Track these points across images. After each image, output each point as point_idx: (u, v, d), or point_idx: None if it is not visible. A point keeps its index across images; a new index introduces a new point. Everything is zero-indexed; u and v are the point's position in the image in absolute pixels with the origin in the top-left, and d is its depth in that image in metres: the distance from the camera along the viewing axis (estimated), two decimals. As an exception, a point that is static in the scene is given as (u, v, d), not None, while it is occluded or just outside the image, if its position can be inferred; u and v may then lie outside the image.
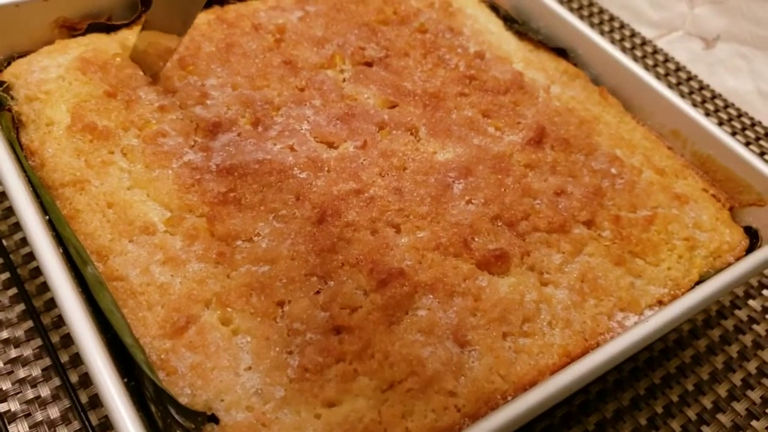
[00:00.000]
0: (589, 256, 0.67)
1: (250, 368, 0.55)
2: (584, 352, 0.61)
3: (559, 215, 0.68)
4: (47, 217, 0.62)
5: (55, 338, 0.70)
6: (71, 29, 0.81)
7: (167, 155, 0.66)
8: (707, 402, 0.75)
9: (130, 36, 0.80)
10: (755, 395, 0.76)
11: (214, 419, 0.53)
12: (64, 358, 0.69)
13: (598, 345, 0.61)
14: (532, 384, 0.58)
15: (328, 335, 0.57)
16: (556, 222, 0.67)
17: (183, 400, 0.53)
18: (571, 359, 0.60)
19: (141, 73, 0.74)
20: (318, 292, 0.59)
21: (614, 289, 0.65)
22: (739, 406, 0.75)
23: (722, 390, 0.76)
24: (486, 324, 0.60)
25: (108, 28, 0.81)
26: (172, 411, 0.51)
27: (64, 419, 0.65)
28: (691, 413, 0.74)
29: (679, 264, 0.69)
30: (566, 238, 0.67)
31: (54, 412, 0.66)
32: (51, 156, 0.67)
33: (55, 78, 0.73)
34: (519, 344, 0.60)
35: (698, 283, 0.69)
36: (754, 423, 0.73)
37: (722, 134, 0.78)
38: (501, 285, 0.63)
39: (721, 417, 0.74)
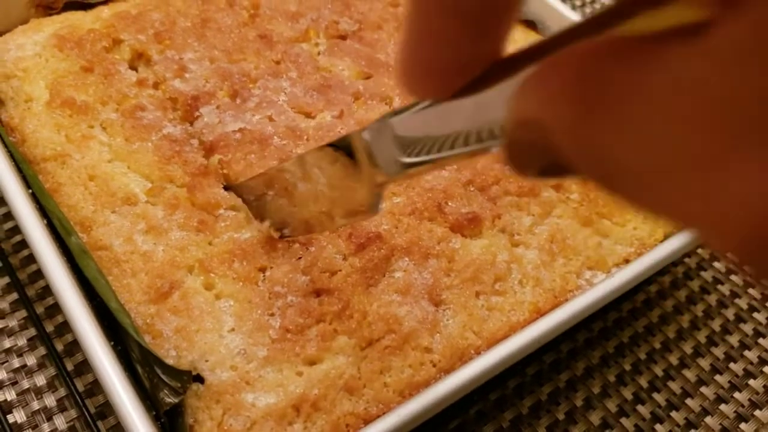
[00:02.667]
0: (557, 218, 0.69)
1: (233, 330, 0.57)
2: (554, 309, 0.63)
3: (529, 180, 0.70)
4: (30, 190, 0.63)
5: (40, 309, 0.71)
6: (47, 8, 0.82)
7: (146, 128, 0.68)
8: (673, 359, 0.78)
9: (105, 10, 0.81)
10: (719, 351, 0.79)
11: (199, 379, 0.55)
12: (50, 328, 0.70)
13: (567, 302, 0.64)
14: (505, 339, 0.60)
15: (309, 298, 0.59)
16: (526, 186, 0.70)
17: (168, 362, 0.55)
18: (542, 315, 0.63)
19: (117, 47, 0.76)
20: (299, 258, 0.61)
21: (582, 249, 0.68)
22: (704, 362, 0.78)
23: (688, 347, 0.79)
24: (459, 284, 0.62)
25: (84, 6, 0.82)
26: (159, 371, 0.54)
27: (51, 386, 0.67)
28: (658, 369, 0.77)
29: (644, 224, 0.72)
30: (536, 201, 0.69)
31: (40, 380, 0.68)
32: (31, 132, 0.68)
33: (31, 56, 0.74)
34: (491, 302, 0.63)
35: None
36: (717, 377, 0.77)
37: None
38: (473, 247, 0.65)
39: (686, 372, 0.77)
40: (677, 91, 0.18)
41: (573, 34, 0.24)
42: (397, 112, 0.35)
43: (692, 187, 0.18)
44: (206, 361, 0.55)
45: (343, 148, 0.45)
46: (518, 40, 0.88)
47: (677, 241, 0.66)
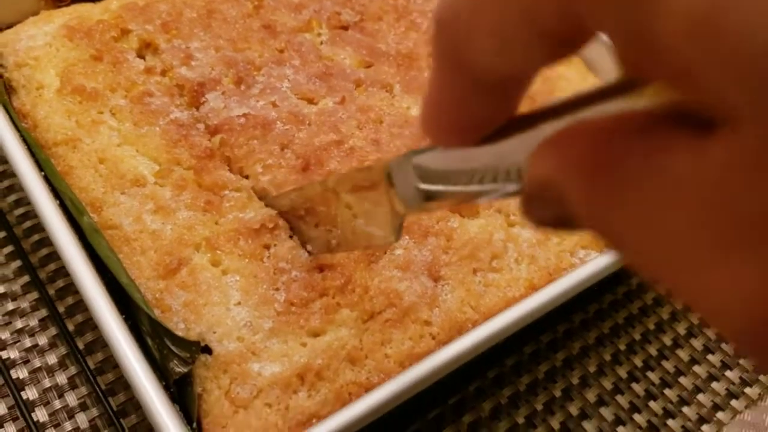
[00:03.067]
0: (553, 199, 0.71)
1: (239, 303, 0.59)
2: (549, 285, 0.66)
3: (526, 163, 0.73)
4: (43, 173, 0.65)
5: (51, 291, 0.74)
6: (57, 1, 0.85)
7: (154, 113, 0.70)
8: (667, 339, 0.80)
9: (114, 2, 0.83)
10: (711, 331, 0.81)
11: (207, 350, 0.57)
12: (61, 309, 0.73)
13: (561, 278, 0.66)
14: (501, 313, 0.62)
15: (312, 273, 0.61)
16: (523, 169, 0.72)
17: (177, 333, 0.57)
18: (537, 291, 0.65)
19: (125, 37, 0.78)
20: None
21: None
22: (697, 342, 0.80)
23: (681, 328, 0.81)
24: (458, 261, 0.65)
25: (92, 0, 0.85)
26: (168, 343, 0.56)
27: (62, 365, 0.69)
28: (653, 349, 0.79)
29: (638, 207, 0.74)
30: (532, 183, 0.72)
31: (52, 358, 0.70)
32: (43, 117, 0.70)
33: (42, 45, 0.76)
34: (488, 279, 0.65)
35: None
36: (709, 357, 0.79)
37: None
38: (471, 226, 0.67)
39: (679, 352, 0.79)
40: (686, 187, 0.20)
41: (578, 102, 0.26)
42: (420, 150, 0.37)
43: (696, 275, 0.20)
44: (214, 332, 0.57)
45: (367, 175, 0.47)
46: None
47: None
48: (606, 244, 0.23)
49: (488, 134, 0.30)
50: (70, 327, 0.72)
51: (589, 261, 0.67)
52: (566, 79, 0.85)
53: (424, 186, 0.37)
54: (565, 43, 0.23)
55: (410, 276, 0.62)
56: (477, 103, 0.27)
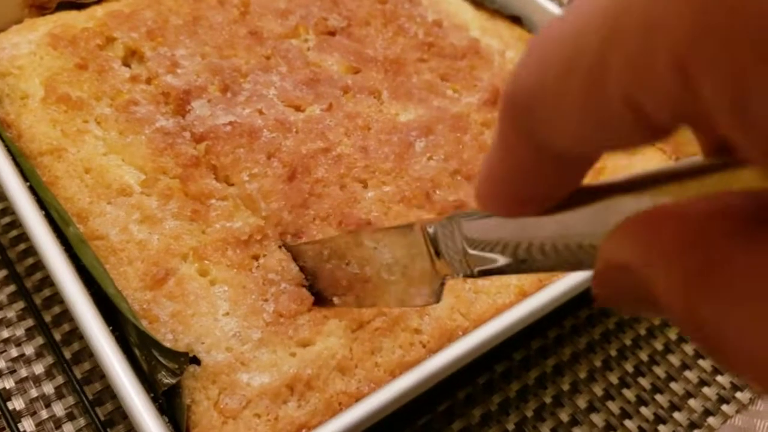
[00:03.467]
0: (542, 205, 0.71)
1: (228, 314, 0.58)
2: (539, 291, 0.65)
3: (514, 168, 0.72)
4: (28, 184, 0.65)
5: (37, 300, 0.73)
6: (41, 8, 0.84)
7: (140, 122, 0.69)
8: (659, 344, 0.80)
9: (99, 10, 0.83)
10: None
11: (195, 361, 0.56)
12: (47, 318, 0.72)
13: (551, 284, 0.66)
14: (492, 320, 0.62)
15: (301, 287, 0.61)
16: (512, 175, 0.72)
17: (165, 344, 0.56)
18: (527, 297, 0.64)
19: (111, 45, 0.78)
20: (291, 246, 0.63)
21: (567, 235, 0.70)
22: (688, 347, 0.80)
23: (672, 333, 0.81)
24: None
25: (77, 6, 0.84)
26: (156, 354, 0.55)
27: (49, 375, 0.69)
28: (644, 355, 0.79)
29: (627, 211, 0.74)
30: (521, 189, 0.71)
31: (39, 368, 0.69)
32: (28, 127, 0.69)
33: (26, 54, 0.76)
34: (478, 285, 0.64)
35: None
36: (700, 362, 0.79)
37: (666, 92, 0.82)
38: (461, 233, 0.67)
39: (670, 357, 0.79)
40: None
41: (658, 178, 0.25)
42: (469, 215, 0.35)
43: None
44: (202, 343, 0.57)
45: (406, 234, 0.44)
46: (504, 35, 0.90)
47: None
48: (697, 342, 0.21)
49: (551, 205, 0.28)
50: (57, 336, 0.71)
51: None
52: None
53: (474, 253, 0.35)
54: (668, 130, 0.22)
55: (399, 283, 0.62)
56: (545, 177, 0.26)
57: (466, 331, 0.61)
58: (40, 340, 0.71)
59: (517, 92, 0.24)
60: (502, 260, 0.33)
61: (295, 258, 0.62)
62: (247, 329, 0.57)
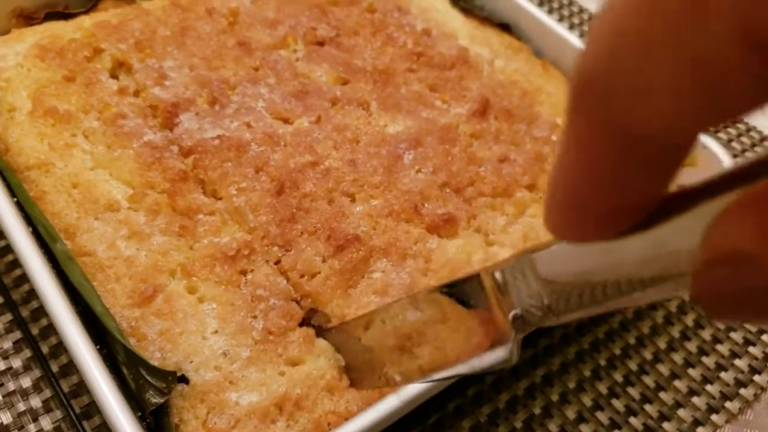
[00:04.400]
0: (531, 217, 0.72)
1: (216, 332, 0.58)
2: (528, 306, 0.66)
3: (503, 180, 0.73)
4: (15, 199, 0.64)
5: (25, 312, 0.73)
6: (28, 19, 0.83)
7: (128, 136, 0.69)
8: (648, 354, 0.80)
9: (86, 20, 0.82)
10: (692, 345, 0.82)
11: (184, 380, 0.56)
12: (35, 330, 0.72)
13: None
14: (481, 336, 0.62)
15: (290, 302, 0.61)
16: (500, 187, 0.72)
17: (153, 363, 0.56)
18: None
19: (98, 56, 0.77)
20: (279, 261, 0.63)
21: (555, 247, 0.70)
22: (677, 356, 0.80)
23: (662, 342, 0.82)
24: (436, 283, 0.64)
25: (65, 16, 0.83)
26: (144, 373, 0.55)
27: (36, 388, 0.68)
28: (633, 364, 0.79)
29: (616, 222, 0.74)
30: (510, 201, 0.72)
31: (26, 381, 0.69)
32: (15, 141, 0.69)
33: (13, 66, 0.75)
34: (467, 300, 0.65)
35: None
36: (690, 371, 0.79)
37: (655, 101, 0.83)
38: (449, 246, 0.67)
39: (660, 366, 0.79)
40: None
41: (745, 174, 0.22)
42: (538, 250, 0.31)
43: None
44: (190, 362, 0.57)
45: (468, 286, 0.38)
46: (493, 43, 0.90)
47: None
48: None
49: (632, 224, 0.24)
50: (45, 349, 0.71)
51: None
52: (546, 92, 0.85)
53: (552, 294, 0.29)
54: None
55: (388, 301, 0.62)
56: (632, 179, 0.22)
57: (454, 347, 0.61)
58: (27, 353, 0.71)
59: (588, 76, 0.20)
60: (590, 307, 0.28)
61: (338, 349, 0.59)
62: (236, 347, 0.57)
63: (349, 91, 0.78)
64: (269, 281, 0.61)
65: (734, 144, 1.09)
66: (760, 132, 1.11)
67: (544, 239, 0.69)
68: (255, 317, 0.59)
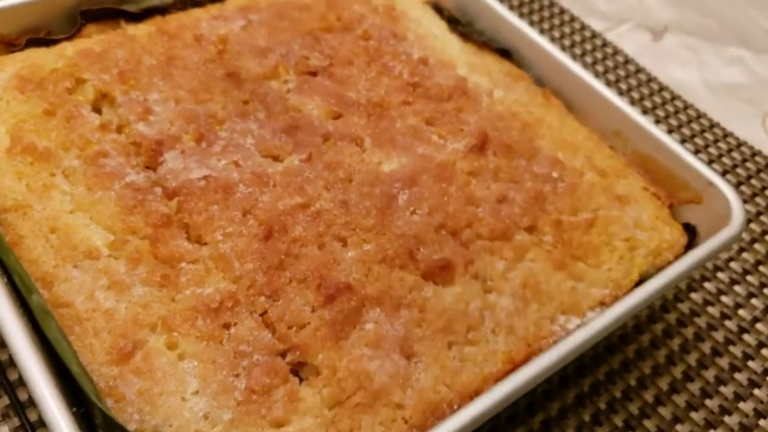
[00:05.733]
0: (531, 261, 0.68)
1: (197, 392, 0.55)
2: (527, 358, 0.63)
3: (502, 222, 0.69)
4: (-10, 245, 0.61)
5: (4, 356, 0.70)
6: (9, 45, 0.80)
7: (109, 176, 0.66)
8: (649, 396, 0.77)
9: (69, 47, 0.79)
10: (694, 387, 0.79)
11: (163, 444, 0.53)
12: (13, 376, 0.69)
13: (540, 349, 0.63)
14: (478, 392, 0.59)
15: (275, 357, 0.58)
16: (499, 229, 0.69)
17: (132, 426, 0.53)
18: (515, 365, 0.62)
19: (80, 87, 0.74)
20: (265, 313, 0.60)
21: (556, 294, 0.67)
22: (679, 398, 0.77)
23: (663, 383, 0.79)
24: (431, 335, 0.61)
25: (47, 43, 0.80)
26: (122, 439, 0.52)
27: (14, 438, 0.66)
28: (634, 408, 0.76)
29: (619, 265, 0.71)
30: (509, 245, 0.68)
31: (4, 430, 0.66)
32: (-9, 180, 0.66)
33: (-8, 98, 0.72)
34: (464, 353, 0.62)
35: (639, 282, 0.71)
36: (692, 414, 0.76)
37: (660, 134, 0.80)
38: (446, 295, 0.64)
39: (661, 410, 0.76)
40: None
41: None
42: None
43: None
44: (170, 425, 0.53)
45: None
46: (492, 71, 0.87)
47: (649, 287, 0.66)
48: None
49: None
50: (23, 396, 0.68)
51: (571, 329, 0.65)
52: (547, 124, 0.82)
53: None
54: None
55: (381, 354, 0.59)
56: None
57: (451, 405, 0.59)
58: (5, 400, 0.68)
59: None
60: None
61: None
62: (218, 409, 0.54)
63: (341, 125, 0.75)
64: (253, 336, 0.58)
65: (683, 129, 1.08)
66: (709, 119, 1.10)
67: (546, 287, 0.66)
68: (237, 375, 0.56)
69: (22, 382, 0.69)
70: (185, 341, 0.57)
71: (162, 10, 0.85)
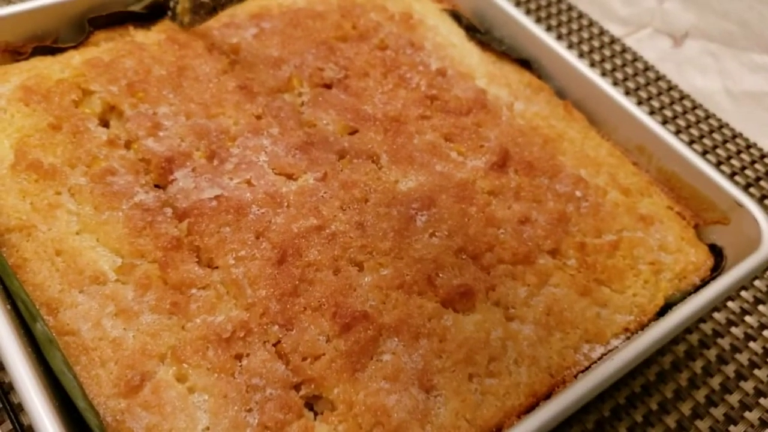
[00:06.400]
0: (554, 287, 0.66)
1: (208, 429, 0.53)
2: (550, 389, 0.60)
3: (524, 245, 0.67)
4: (-7, 268, 0.59)
5: (7, 379, 0.68)
6: (15, 53, 0.78)
7: (117, 196, 0.63)
8: (671, 421, 0.75)
9: (76, 56, 0.76)
10: (718, 412, 0.76)
11: (172, 483, 0.51)
12: (17, 399, 0.67)
13: (564, 380, 0.61)
14: (498, 427, 0.57)
15: (288, 390, 0.55)
16: (521, 253, 0.66)
17: (140, 465, 0.51)
18: (538, 399, 0.59)
19: (88, 99, 0.72)
20: (278, 342, 0.57)
21: (580, 321, 0.64)
22: (703, 425, 0.75)
23: (686, 408, 0.76)
24: (452, 366, 0.59)
25: (54, 51, 0.78)
26: (129, 478, 0.50)
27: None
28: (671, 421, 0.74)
29: (644, 289, 0.69)
30: (531, 269, 0.66)
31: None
32: (-5, 198, 0.63)
33: (-4, 110, 0.69)
34: (485, 385, 0.59)
35: (664, 306, 0.68)
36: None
37: (686, 151, 0.77)
38: (466, 323, 0.62)
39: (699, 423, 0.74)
40: None
41: None
42: None
43: None
44: (180, 464, 0.51)
45: None
46: (512, 82, 0.84)
47: (676, 317, 0.63)
48: None
49: None
50: (26, 421, 0.66)
51: (595, 359, 0.62)
52: (569, 139, 0.79)
53: None
54: None
55: (399, 388, 0.57)
56: None
57: (471, 441, 0.56)
58: (8, 425, 0.66)
59: None
60: None
61: None
62: (230, 447, 0.52)
63: (357, 141, 0.72)
64: (266, 368, 0.56)
65: (705, 140, 1.05)
66: (732, 129, 1.07)
67: (569, 314, 0.63)
68: (250, 410, 0.54)
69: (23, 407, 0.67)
70: (195, 373, 0.55)
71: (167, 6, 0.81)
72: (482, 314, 0.62)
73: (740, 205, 0.73)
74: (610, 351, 0.64)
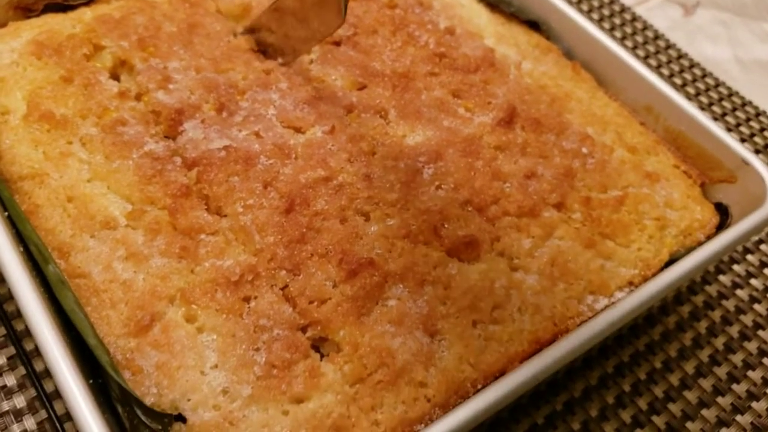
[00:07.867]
0: (559, 239, 0.66)
1: (216, 366, 0.54)
2: (554, 338, 0.61)
3: (529, 198, 0.67)
4: (6, 213, 0.60)
5: (20, 326, 0.69)
6: (27, 10, 0.78)
7: (127, 145, 0.64)
8: (674, 379, 0.75)
9: (87, 12, 0.77)
10: (721, 371, 0.77)
11: (181, 418, 0.52)
12: (30, 346, 0.68)
13: (567, 329, 0.62)
14: (502, 372, 0.58)
15: (295, 331, 0.56)
16: (526, 206, 0.67)
17: (149, 400, 0.52)
18: (541, 345, 0.60)
19: (99, 54, 0.72)
20: (286, 287, 0.58)
21: (584, 273, 0.65)
22: (706, 383, 0.76)
23: (690, 367, 0.77)
24: (456, 312, 0.60)
25: (65, 8, 0.78)
26: (139, 412, 0.51)
27: (31, 408, 0.65)
28: (659, 391, 0.74)
29: (649, 244, 0.69)
30: (536, 221, 0.66)
31: (20, 401, 0.65)
32: (8, 147, 0.64)
33: (8, 64, 0.70)
34: (489, 331, 0.60)
35: (668, 262, 0.69)
36: (719, 399, 0.74)
37: (694, 110, 0.77)
38: (471, 272, 0.62)
39: (687, 394, 0.74)
40: None
41: None
42: None
43: None
44: (188, 400, 0.52)
45: None
46: (520, 43, 0.84)
47: (681, 267, 0.63)
48: None
49: None
50: (39, 367, 0.67)
51: (599, 309, 0.63)
52: (577, 98, 0.79)
53: None
54: None
55: (404, 331, 0.58)
56: None
57: (475, 384, 0.57)
58: (21, 371, 0.67)
59: None
60: None
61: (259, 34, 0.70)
62: (237, 384, 0.53)
63: (366, 97, 0.72)
64: (273, 309, 0.57)
65: (714, 108, 1.05)
66: (741, 97, 1.06)
67: (574, 266, 0.64)
68: (257, 350, 0.55)
69: (38, 352, 0.68)
70: (204, 314, 0.56)
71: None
72: (487, 264, 0.63)
73: (747, 163, 0.73)
74: (613, 303, 0.64)
